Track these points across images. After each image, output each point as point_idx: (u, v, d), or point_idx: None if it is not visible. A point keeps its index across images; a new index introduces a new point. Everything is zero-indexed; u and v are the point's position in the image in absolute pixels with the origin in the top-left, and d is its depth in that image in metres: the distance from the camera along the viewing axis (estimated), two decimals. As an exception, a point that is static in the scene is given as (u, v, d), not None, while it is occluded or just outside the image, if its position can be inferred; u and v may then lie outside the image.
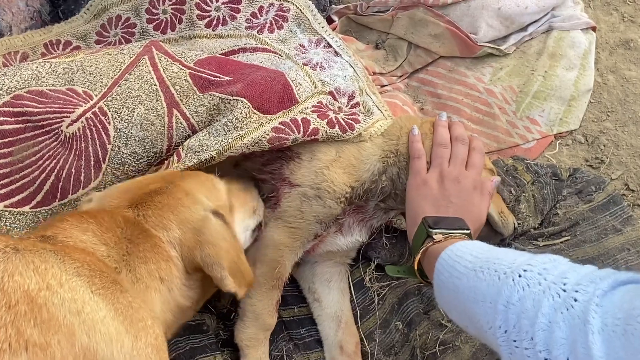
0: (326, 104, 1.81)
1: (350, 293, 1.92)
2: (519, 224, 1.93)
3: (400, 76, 2.42)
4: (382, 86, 2.35)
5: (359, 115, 1.85)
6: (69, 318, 1.04)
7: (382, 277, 1.92)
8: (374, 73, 2.35)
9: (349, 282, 1.93)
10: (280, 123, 1.70)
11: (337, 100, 1.89)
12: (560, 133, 2.30)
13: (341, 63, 2.03)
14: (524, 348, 1.04)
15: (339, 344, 1.82)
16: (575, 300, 1.00)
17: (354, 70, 2.04)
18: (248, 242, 1.65)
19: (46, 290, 1.05)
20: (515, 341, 1.06)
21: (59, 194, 1.65)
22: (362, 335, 1.86)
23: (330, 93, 1.89)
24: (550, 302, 1.02)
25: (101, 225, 1.29)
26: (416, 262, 1.49)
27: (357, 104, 1.91)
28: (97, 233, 1.28)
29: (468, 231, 1.49)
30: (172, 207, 1.39)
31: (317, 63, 2.00)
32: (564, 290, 1.02)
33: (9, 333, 0.98)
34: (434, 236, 1.46)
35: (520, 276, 1.10)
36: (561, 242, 1.95)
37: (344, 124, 1.78)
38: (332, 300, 1.87)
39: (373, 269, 1.93)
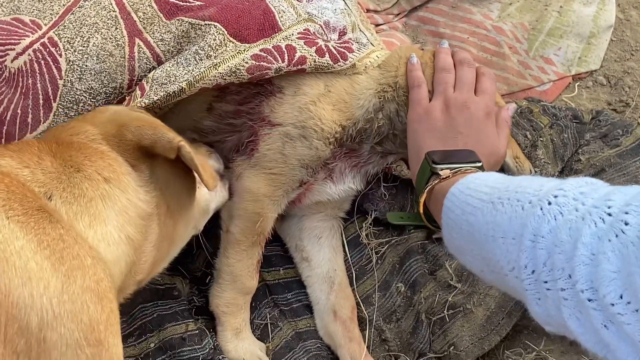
0: (314, 32, 1.60)
1: (344, 251, 1.75)
2: (536, 171, 1.77)
3: (398, 14, 2.25)
4: (377, 25, 2.18)
5: (353, 45, 1.66)
6: None
7: (380, 232, 1.76)
8: (368, 10, 2.19)
9: (343, 239, 1.76)
10: (262, 50, 1.52)
11: (327, 35, 1.67)
12: (579, 74, 2.15)
13: (331, -5, 1.82)
14: (559, 289, 0.88)
15: (331, 309, 1.66)
16: (627, 223, 0.82)
17: (345, 3, 1.83)
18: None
19: None
20: (546, 282, 0.91)
21: (3, 139, 1.49)
22: (359, 299, 1.70)
23: (320, 26, 1.68)
24: (592, 229, 0.85)
25: (16, 150, 1.11)
26: (421, 204, 1.32)
27: (349, 40, 1.70)
28: (15, 157, 1.08)
29: (480, 164, 1.32)
30: (79, 120, 1.29)
31: (303, -6, 1.79)
32: (610, 215, 0.85)
33: None
34: (440, 172, 1.29)
35: (550, 203, 0.93)
36: (585, 192, 1.75)
37: (335, 52, 1.59)
38: (323, 259, 1.70)
39: (370, 224, 1.75)
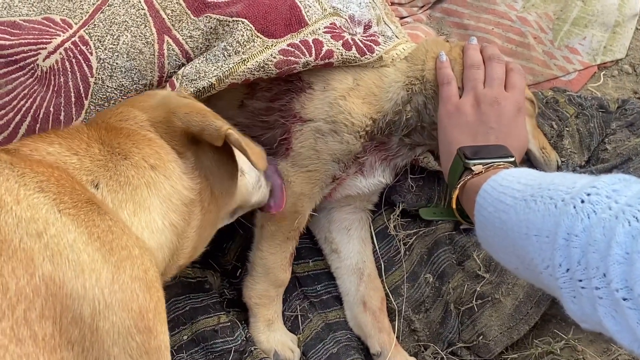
0: (340, 26, 1.60)
1: (373, 243, 1.75)
2: (562, 161, 1.76)
3: (422, 7, 2.24)
4: (402, 18, 2.17)
5: (379, 37, 1.65)
6: (26, 241, 0.86)
7: (408, 224, 1.76)
8: (392, 3, 2.18)
9: (371, 231, 1.76)
10: (289, 45, 1.52)
11: (352, 29, 1.67)
12: (605, 63, 2.14)
13: (355, -11, 1.82)
14: (593, 288, 0.87)
15: (361, 300, 1.67)
16: None
17: (370, -4, 1.83)
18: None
19: None
20: (581, 280, 0.90)
21: None
22: (388, 290, 1.70)
23: (346, 20, 1.67)
24: (626, 228, 0.85)
25: (66, 137, 1.12)
26: (454, 200, 1.32)
27: (375, 33, 1.70)
28: (64, 144, 1.09)
29: (512, 159, 1.31)
30: (128, 104, 1.27)
31: (328, -11, 1.79)
32: None
33: None
34: (472, 168, 1.29)
35: (583, 202, 0.93)
36: (612, 181, 1.74)
37: (362, 46, 1.59)
38: (352, 251, 1.71)
39: (398, 215, 1.75)
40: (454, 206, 1.32)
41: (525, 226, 1.01)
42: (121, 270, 0.94)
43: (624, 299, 0.82)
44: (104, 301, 0.90)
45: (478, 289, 1.64)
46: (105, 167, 1.09)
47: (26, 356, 0.79)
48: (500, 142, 1.40)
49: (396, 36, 1.76)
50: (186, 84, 1.47)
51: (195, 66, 1.50)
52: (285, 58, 1.49)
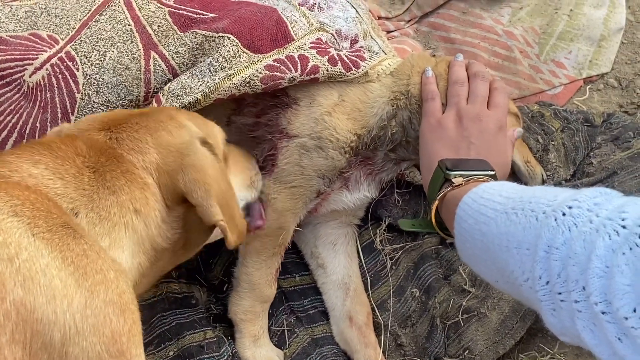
0: (326, 41, 1.61)
1: (359, 257, 1.75)
2: (548, 175, 1.77)
3: (409, 21, 2.26)
4: (389, 32, 2.19)
5: (365, 53, 1.66)
6: None
7: (394, 238, 1.76)
8: (379, 17, 2.19)
9: (357, 245, 1.76)
10: (275, 60, 1.53)
11: (339, 44, 1.68)
12: (590, 77, 2.16)
13: (342, 3, 1.84)
14: (573, 301, 0.86)
15: (347, 315, 1.66)
16: None
17: (357, 11, 1.84)
18: None
19: None
20: (560, 293, 0.89)
21: None
22: (374, 305, 1.70)
23: (332, 35, 1.68)
24: (606, 242, 0.84)
25: (57, 157, 1.09)
26: (433, 212, 1.31)
27: (361, 48, 1.70)
28: (51, 165, 1.07)
29: (492, 172, 1.31)
30: (152, 130, 1.19)
31: (315, 4, 1.80)
32: (624, 227, 0.84)
33: None
34: (452, 180, 1.28)
35: (564, 214, 0.92)
36: (597, 195, 1.74)
37: (347, 61, 1.59)
38: (338, 266, 1.71)
39: (384, 230, 1.75)
40: (432, 218, 1.31)
41: (506, 239, 1.00)
42: (94, 295, 0.93)
43: (603, 313, 0.82)
44: (74, 327, 0.89)
45: (464, 303, 1.64)
46: (89, 197, 1.07)
47: None
48: (481, 157, 1.39)
49: (383, 51, 1.77)
50: (172, 100, 1.47)
51: (181, 82, 1.50)
52: (271, 73, 1.49)
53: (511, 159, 1.52)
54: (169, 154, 1.16)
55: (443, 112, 1.52)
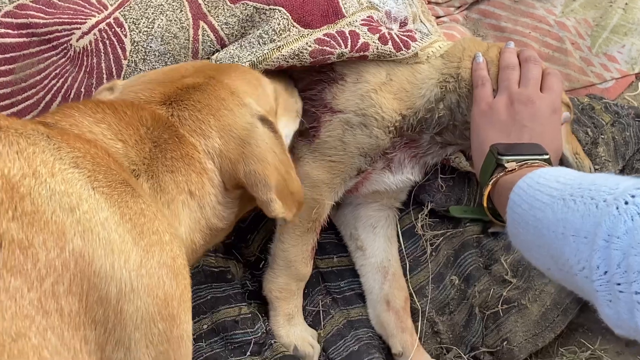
0: (377, 20, 1.58)
1: (399, 242, 1.72)
2: (596, 169, 1.74)
3: (459, 7, 2.22)
4: (438, 17, 2.16)
5: (416, 34, 1.63)
6: (59, 214, 0.83)
7: (435, 224, 1.73)
8: (429, 2, 2.16)
9: (398, 229, 1.73)
10: (325, 35, 1.50)
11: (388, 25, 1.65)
12: (643, 72, 2.11)
13: (392, -15, 1.80)
14: (633, 292, 0.83)
15: (385, 299, 1.64)
16: None
17: (407, -6, 1.81)
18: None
19: (32, 178, 0.84)
20: (619, 284, 0.85)
21: None
22: (412, 290, 1.68)
23: (385, 14, 1.65)
24: None
25: (121, 119, 1.08)
26: (485, 197, 1.27)
27: (412, 30, 1.67)
28: (114, 127, 1.06)
29: (547, 156, 1.26)
30: (214, 110, 1.18)
31: (364, -16, 1.77)
32: None
33: None
34: (505, 165, 1.24)
35: (627, 203, 0.88)
36: (647, 191, 1.71)
37: (398, 41, 1.56)
38: (377, 249, 1.68)
39: (426, 215, 1.72)
40: (485, 204, 1.28)
41: (562, 226, 0.97)
42: (150, 255, 0.92)
43: None
44: (130, 284, 0.88)
45: (504, 293, 1.62)
46: (149, 166, 1.07)
47: (51, 329, 0.77)
48: (534, 141, 1.35)
49: (432, 34, 1.74)
50: (219, 69, 1.45)
51: (230, 52, 1.48)
52: (320, 47, 1.47)
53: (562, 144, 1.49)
54: (231, 139, 1.15)
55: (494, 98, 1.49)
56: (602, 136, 1.79)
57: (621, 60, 2.08)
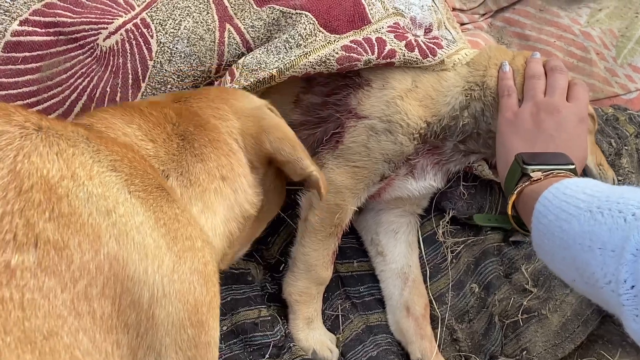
0: (404, 27, 1.58)
1: (420, 248, 1.72)
2: (619, 180, 1.72)
3: (484, 14, 2.21)
4: (463, 24, 2.14)
5: (442, 41, 1.62)
6: (95, 217, 0.84)
7: (457, 231, 1.73)
8: (454, 9, 2.15)
9: (419, 236, 1.72)
10: (352, 41, 1.50)
11: (413, 32, 1.65)
12: (668, 84, 2.08)
13: (418, -9, 1.79)
14: None
15: (404, 305, 1.64)
16: None
17: (432, 0, 1.79)
18: None
19: (70, 180, 0.85)
20: None
21: None
22: (432, 297, 1.67)
23: (410, 20, 1.65)
24: None
25: (148, 120, 1.10)
26: (510, 206, 1.27)
27: (437, 37, 1.67)
28: (143, 127, 1.08)
29: (573, 166, 1.26)
30: (224, 99, 1.23)
31: (390, -11, 1.76)
32: None
33: (16, 223, 0.77)
34: (530, 174, 1.24)
35: None
36: (670, 204, 1.69)
37: (424, 48, 1.56)
38: (398, 255, 1.67)
39: (447, 222, 1.72)
40: (509, 212, 1.27)
41: (589, 238, 0.96)
42: (182, 261, 0.93)
43: None
44: (162, 289, 0.89)
45: (525, 303, 1.61)
46: (178, 162, 1.08)
47: (83, 330, 0.78)
48: (559, 151, 1.34)
49: (457, 42, 1.73)
50: (246, 74, 1.45)
51: (256, 56, 1.48)
52: (347, 54, 1.47)
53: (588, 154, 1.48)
54: (247, 119, 1.19)
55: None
56: (626, 147, 1.77)
57: (646, 71, 2.06)
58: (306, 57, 1.45)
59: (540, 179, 1.22)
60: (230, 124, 1.18)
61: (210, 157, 1.12)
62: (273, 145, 1.18)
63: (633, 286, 0.87)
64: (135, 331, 0.85)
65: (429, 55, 1.55)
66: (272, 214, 1.34)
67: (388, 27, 1.56)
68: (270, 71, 1.44)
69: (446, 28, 1.77)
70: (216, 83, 1.51)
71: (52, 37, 1.46)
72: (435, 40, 1.60)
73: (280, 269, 1.65)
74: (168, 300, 0.89)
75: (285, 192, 1.36)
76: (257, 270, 1.63)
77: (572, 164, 1.26)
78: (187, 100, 1.21)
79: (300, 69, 1.45)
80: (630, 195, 0.96)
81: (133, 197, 0.91)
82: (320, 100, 1.57)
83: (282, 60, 1.46)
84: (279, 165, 1.21)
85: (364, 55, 1.48)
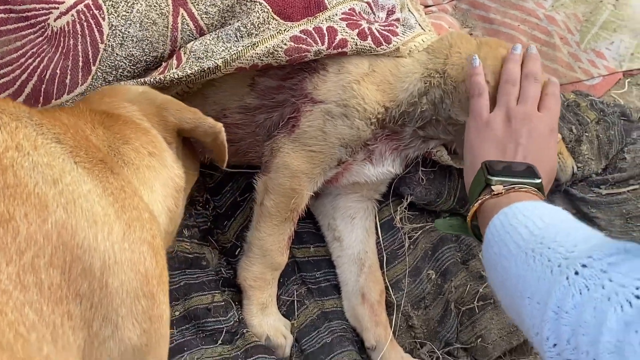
0: (359, 12, 1.56)
1: (377, 234, 1.70)
2: (579, 167, 1.72)
3: (449, -3, 2.17)
4: (427, 6, 2.12)
5: (398, 28, 1.60)
6: (42, 186, 0.84)
7: (415, 217, 1.72)
8: (419, -9, 2.09)
9: (376, 221, 1.71)
10: (302, 32, 1.48)
11: (374, 14, 1.62)
12: (631, 70, 2.08)
13: (379, -27, 1.77)
14: None
15: (360, 291, 1.62)
16: None
17: (395, -19, 1.78)
18: None
19: (15, 151, 0.85)
20: None
21: (41, 97, 1.46)
22: (388, 284, 1.66)
23: (367, 4, 1.62)
24: (618, 314, 0.77)
25: (72, 115, 1.10)
26: (470, 217, 1.26)
27: (397, 20, 1.65)
28: (72, 120, 1.07)
29: (538, 181, 1.23)
30: (112, 94, 1.25)
31: (353, -29, 1.74)
32: (638, 297, 0.77)
33: None
34: (493, 187, 1.22)
35: (577, 274, 0.86)
36: (628, 191, 1.74)
37: (378, 36, 1.53)
38: (354, 240, 1.66)
39: (405, 208, 1.70)
40: (469, 223, 1.27)
41: (522, 284, 0.96)
42: (132, 230, 0.92)
43: None
44: (114, 257, 0.88)
45: (481, 290, 1.60)
46: (109, 145, 1.07)
47: (29, 304, 0.76)
48: (528, 161, 1.32)
49: (419, 24, 1.70)
50: (192, 61, 1.44)
51: (205, 43, 1.46)
52: (296, 45, 1.45)
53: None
54: (141, 103, 1.21)
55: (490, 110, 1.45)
56: (587, 134, 1.76)
57: (609, 57, 2.06)
58: (253, 48, 1.44)
59: (502, 193, 1.20)
60: (130, 109, 1.19)
61: (132, 137, 1.11)
62: (176, 117, 1.20)
63: (555, 345, 0.85)
64: (88, 301, 0.84)
65: (383, 43, 1.53)
66: (192, 182, 1.35)
67: (342, 14, 1.53)
68: (216, 61, 1.43)
69: (409, 10, 1.75)
70: (164, 65, 1.48)
71: (2, 15, 1.44)
72: (390, 28, 1.57)
73: (236, 253, 1.63)
74: (120, 268, 0.88)
75: (198, 158, 1.37)
76: (212, 255, 1.61)
77: (538, 178, 1.24)
78: (84, 101, 1.23)
79: (247, 60, 1.44)
80: (562, 238, 0.95)
81: (79, 167, 0.90)
82: (276, 84, 1.54)
83: (228, 51, 1.44)
84: (187, 134, 1.23)
85: (313, 46, 1.46)
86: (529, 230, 1.02)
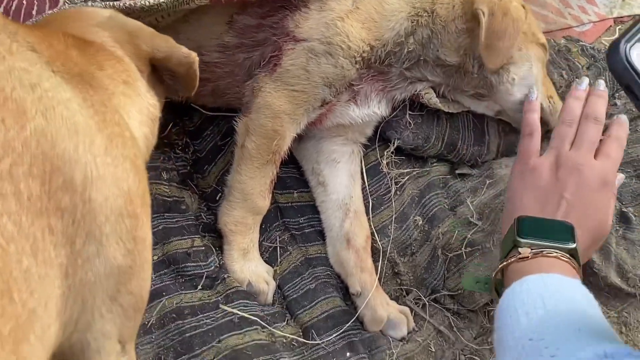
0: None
1: (362, 179, 1.65)
2: (569, 112, 1.63)
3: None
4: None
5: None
6: (19, 91, 0.78)
7: (402, 162, 1.67)
8: None
9: (362, 166, 1.66)
10: None
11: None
12: (622, 17, 2.05)
13: None
14: None
15: (345, 237, 1.58)
16: None
17: None
18: None
19: None
20: None
21: None
22: (374, 229, 1.61)
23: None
24: None
25: (44, 32, 1.02)
26: (494, 277, 1.22)
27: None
28: (44, 38, 1.00)
29: (572, 246, 1.15)
30: (78, 18, 1.18)
31: None
32: None
33: None
34: (520, 249, 1.15)
35: None
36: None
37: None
38: (339, 185, 1.61)
39: (392, 152, 1.65)
40: (493, 283, 1.23)
41: None
42: (114, 144, 0.88)
43: None
44: (97, 170, 0.83)
45: (469, 236, 1.57)
46: (85, 70, 1.01)
47: (7, 214, 0.72)
48: (570, 218, 1.22)
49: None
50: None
51: None
52: None
53: (612, 217, 1.32)
54: (112, 29, 1.15)
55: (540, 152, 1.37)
56: (577, 79, 1.72)
57: (600, 3, 2.03)
58: None
59: (528, 257, 1.13)
60: (101, 35, 1.12)
61: (106, 64, 1.06)
62: (149, 45, 1.15)
63: None
64: (71, 216, 0.80)
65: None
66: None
67: None
68: None
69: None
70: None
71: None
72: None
73: (217, 198, 1.58)
74: (103, 183, 0.84)
75: (165, 87, 1.31)
76: (191, 199, 1.57)
77: (573, 242, 1.15)
78: (47, 23, 1.18)
79: None
80: (550, 337, 0.90)
81: (57, 75, 0.86)
82: (255, 22, 1.49)
83: None
84: (159, 62, 1.17)
85: None
86: (531, 316, 0.97)
